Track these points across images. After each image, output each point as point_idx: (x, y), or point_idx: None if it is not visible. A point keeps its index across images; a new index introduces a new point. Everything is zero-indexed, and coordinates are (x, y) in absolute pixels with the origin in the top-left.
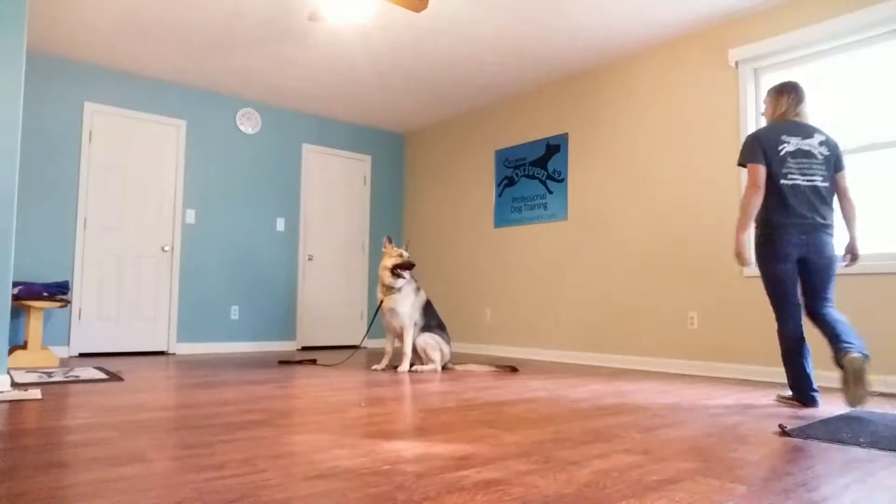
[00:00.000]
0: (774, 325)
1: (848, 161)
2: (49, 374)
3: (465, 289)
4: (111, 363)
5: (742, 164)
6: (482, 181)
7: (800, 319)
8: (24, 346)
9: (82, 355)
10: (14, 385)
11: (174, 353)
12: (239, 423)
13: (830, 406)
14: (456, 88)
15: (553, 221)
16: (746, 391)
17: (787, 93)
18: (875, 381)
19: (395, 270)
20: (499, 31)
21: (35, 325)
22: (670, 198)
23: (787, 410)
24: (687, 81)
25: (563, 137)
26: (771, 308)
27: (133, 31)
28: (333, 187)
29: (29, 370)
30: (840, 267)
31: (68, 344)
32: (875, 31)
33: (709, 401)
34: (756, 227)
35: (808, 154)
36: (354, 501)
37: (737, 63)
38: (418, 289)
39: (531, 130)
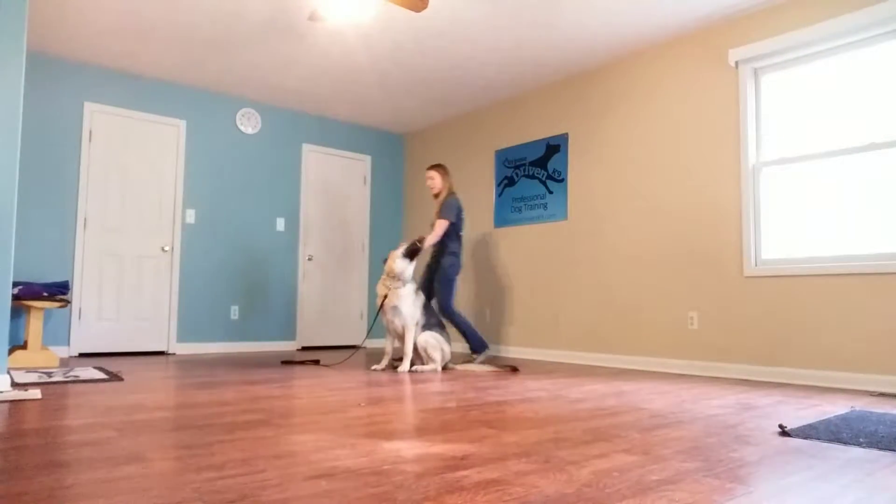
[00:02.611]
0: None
1: (848, 161)
2: (49, 374)
3: (466, 289)
4: (111, 363)
5: (444, 218)
6: (482, 181)
7: None
8: (24, 346)
9: (82, 355)
10: (14, 385)
11: (174, 353)
12: (239, 423)
13: (831, 406)
14: (456, 88)
15: (553, 221)
16: (746, 391)
17: (450, 174)
18: (875, 381)
19: (415, 245)
20: (499, 31)
21: (35, 325)
22: (670, 197)
23: (787, 410)
24: (687, 81)
25: (563, 137)
26: (445, 295)
27: (133, 31)
28: (333, 187)
29: (29, 370)
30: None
31: (68, 344)
32: (875, 31)
33: (709, 401)
34: (449, 254)
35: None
36: (354, 501)
37: (737, 63)
38: (417, 289)
39: (531, 130)
